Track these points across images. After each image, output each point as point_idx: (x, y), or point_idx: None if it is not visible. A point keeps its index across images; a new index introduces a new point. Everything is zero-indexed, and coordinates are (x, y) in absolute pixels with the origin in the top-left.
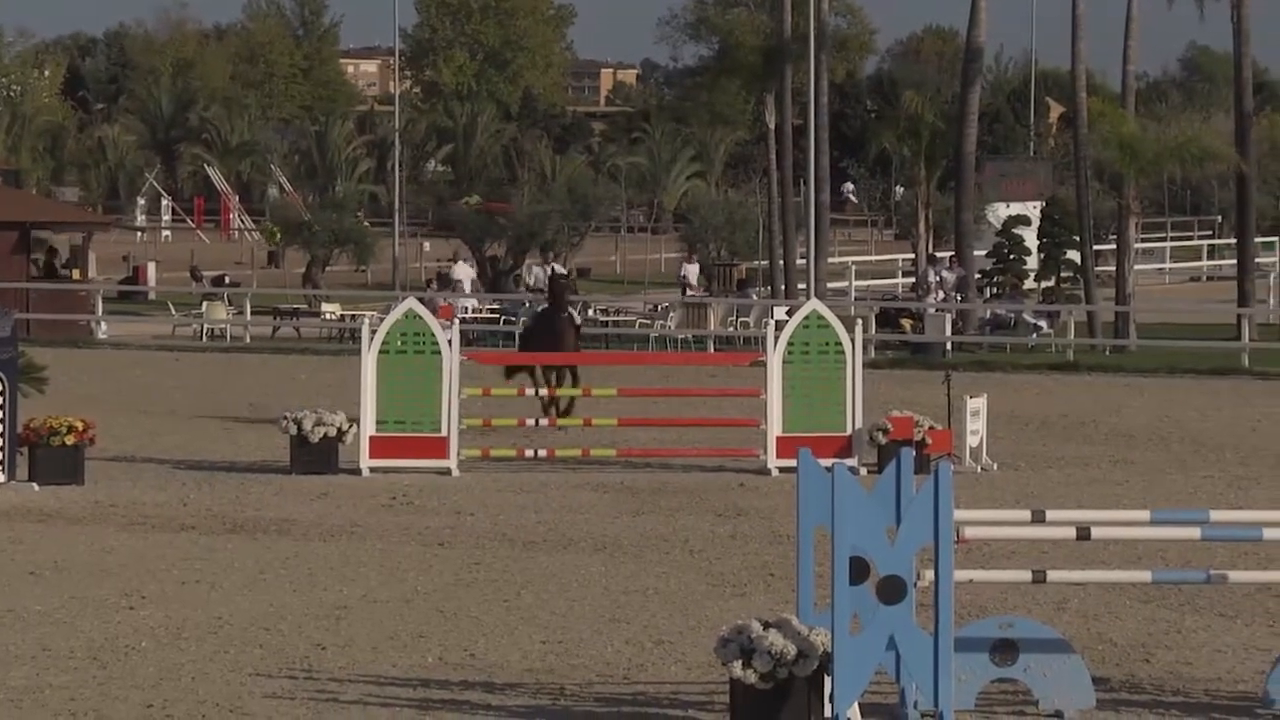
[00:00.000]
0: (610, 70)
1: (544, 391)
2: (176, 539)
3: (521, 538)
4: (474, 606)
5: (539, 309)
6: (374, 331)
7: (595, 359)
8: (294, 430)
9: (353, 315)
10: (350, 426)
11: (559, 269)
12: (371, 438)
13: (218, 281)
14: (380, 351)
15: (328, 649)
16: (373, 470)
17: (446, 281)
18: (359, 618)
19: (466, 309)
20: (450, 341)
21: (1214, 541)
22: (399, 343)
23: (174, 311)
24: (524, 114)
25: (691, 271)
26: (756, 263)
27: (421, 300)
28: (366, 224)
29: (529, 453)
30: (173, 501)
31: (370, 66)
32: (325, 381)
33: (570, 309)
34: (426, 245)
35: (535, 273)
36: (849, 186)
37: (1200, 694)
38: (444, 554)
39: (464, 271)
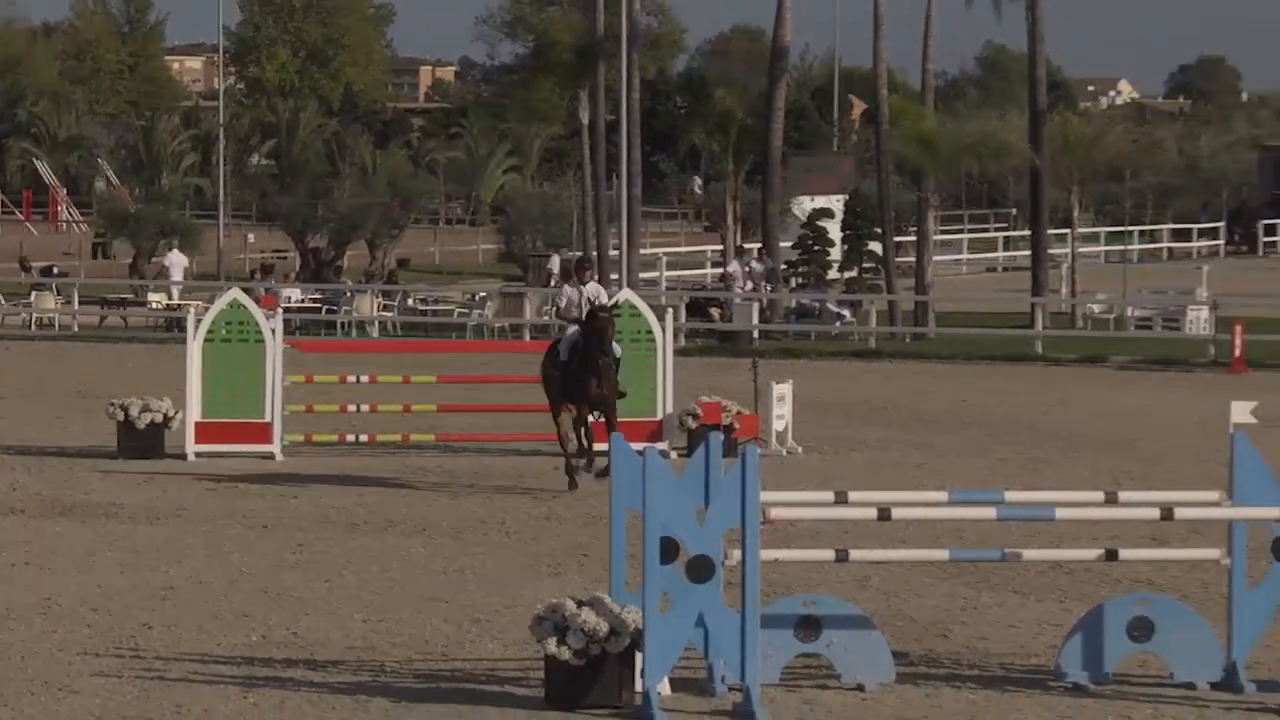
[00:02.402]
0: (429, 67)
1: (571, 444)
2: (6, 522)
3: (343, 520)
4: (297, 587)
5: (571, 340)
6: (200, 320)
7: (414, 346)
8: (121, 416)
9: (179, 304)
10: (176, 413)
11: (600, 294)
12: (197, 423)
13: (46, 272)
14: (206, 340)
15: (154, 629)
16: (198, 455)
17: (264, 273)
18: (185, 598)
19: (290, 298)
20: (274, 330)
21: (1009, 521)
22: (224, 331)
23: (3, 301)
24: (345, 110)
25: (555, 263)
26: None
27: (246, 290)
28: (192, 216)
29: (350, 437)
30: (2, 486)
31: (195, 63)
32: (152, 369)
33: (613, 347)
34: (251, 237)
35: (568, 294)
36: (697, 180)
37: (996, 668)
38: (268, 536)
39: (176, 259)
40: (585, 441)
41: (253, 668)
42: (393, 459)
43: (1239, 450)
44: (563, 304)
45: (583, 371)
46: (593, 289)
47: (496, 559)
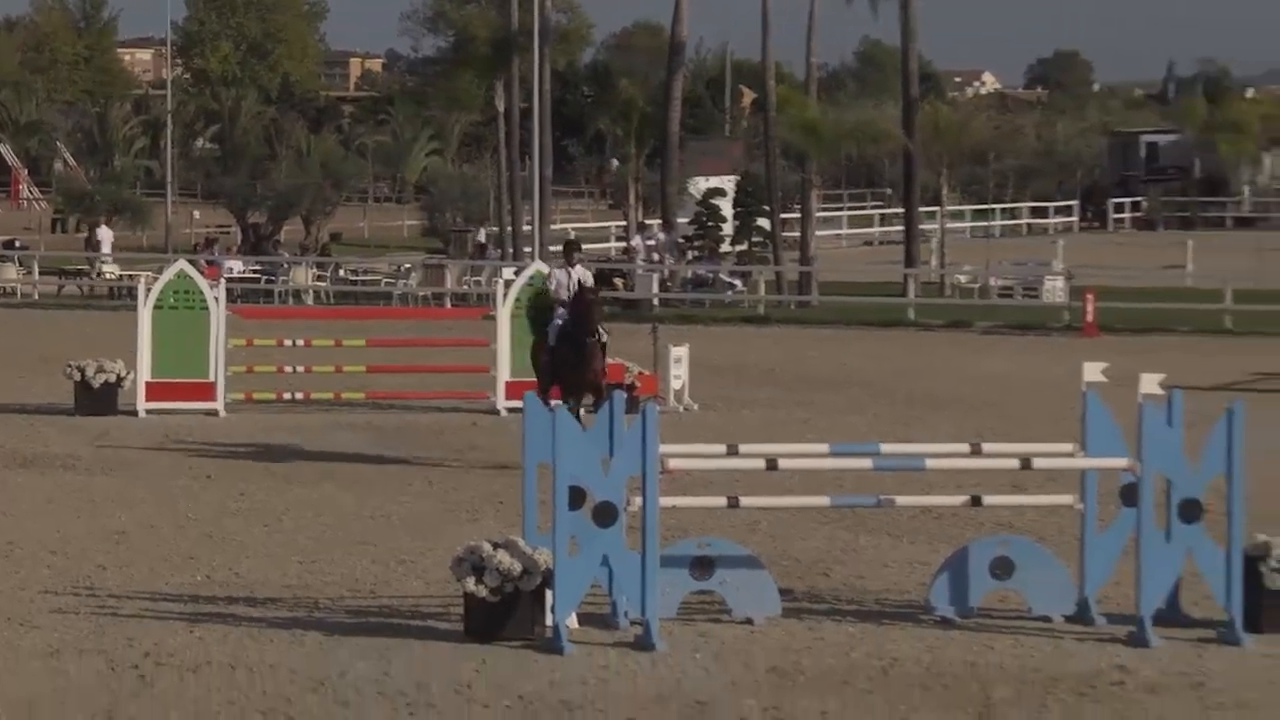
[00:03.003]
0: (359, 59)
1: None
2: None
3: (281, 471)
4: (239, 532)
5: (559, 323)
6: (149, 289)
7: (345, 313)
8: (78, 377)
9: (130, 274)
10: (128, 373)
11: (587, 277)
12: (147, 383)
13: (8, 245)
14: (155, 307)
15: (108, 570)
16: (149, 412)
17: (208, 246)
18: (136, 542)
19: (232, 269)
20: (217, 298)
21: (883, 471)
22: (171, 299)
23: None
24: (282, 98)
25: (482, 234)
26: (491, 227)
27: (191, 262)
28: (142, 195)
29: (287, 396)
30: None
31: (145, 55)
32: (106, 334)
33: (600, 329)
34: (196, 213)
35: (557, 277)
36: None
37: (872, 603)
38: (212, 486)
39: (105, 234)
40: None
41: (198, 605)
42: (326, 415)
43: (1090, 406)
44: (552, 286)
45: (570, 355)
46: (580, 272)
47: (420, 506)
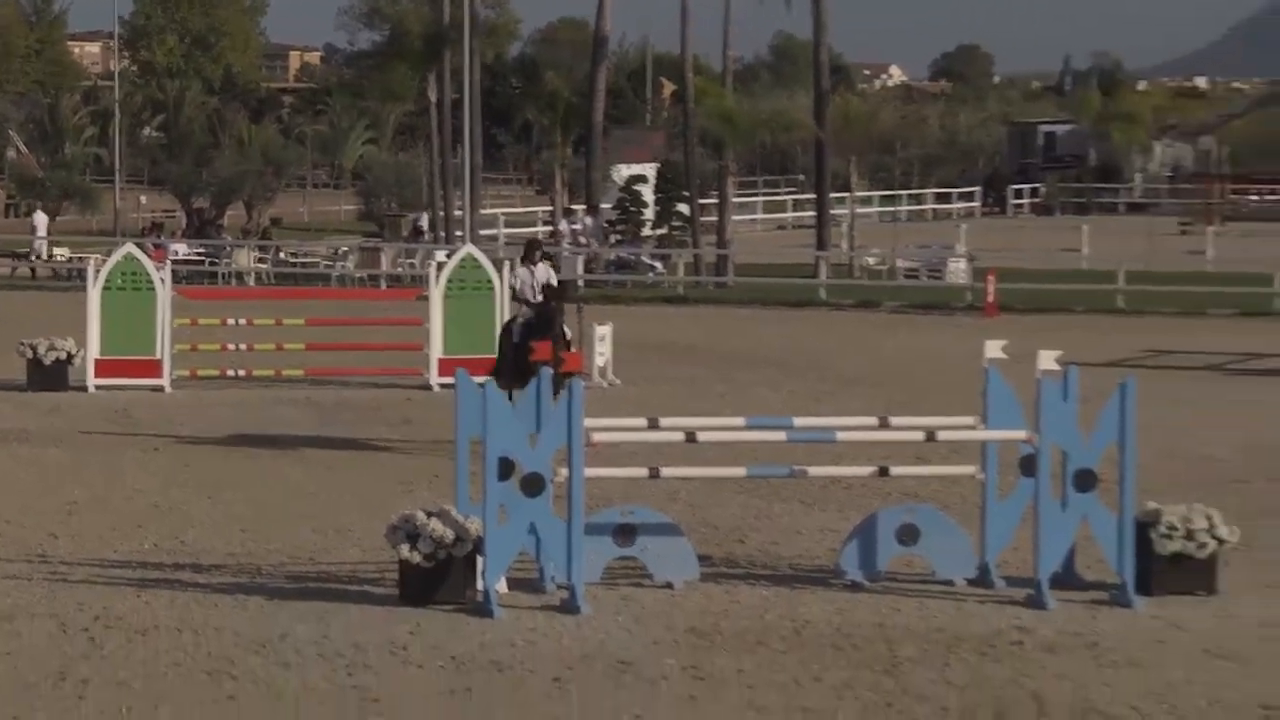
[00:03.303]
0: (298, 52)
1: None
2: None
3: (225, 444)
4: (185, 502)
5: (524, 321)
6: (99, 271)
7: (285, 294)
8: (30, 354)
9: (80, 257)
10: (78, 351)
11: (551, 278)
12: (96, 360)
13: None
14: (104, 288)
15: (60, 538)
16: (98, 388)
17: (154, 230)
18: (87, 512)
19: (177, 252)
20: (163, 280)
21: (796, 443)
22: (120, 281)
23: None
24: (225, 89)
25: (424, 219)
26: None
27: (139, 245)
28: (92, 181)
29: (230, 372)
30: None
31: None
32: (57, 314)
33: (563, 331)
34: (143, 199)
35: (520, 275)
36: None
37: (785, 568)
38: (159, 458)
39: (40, 219)
40: None
41: (146, 571)
42: (267, 391)
43: (991, 382)
44: (516, 285)
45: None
46: (542, 271)
47: (357, 478)
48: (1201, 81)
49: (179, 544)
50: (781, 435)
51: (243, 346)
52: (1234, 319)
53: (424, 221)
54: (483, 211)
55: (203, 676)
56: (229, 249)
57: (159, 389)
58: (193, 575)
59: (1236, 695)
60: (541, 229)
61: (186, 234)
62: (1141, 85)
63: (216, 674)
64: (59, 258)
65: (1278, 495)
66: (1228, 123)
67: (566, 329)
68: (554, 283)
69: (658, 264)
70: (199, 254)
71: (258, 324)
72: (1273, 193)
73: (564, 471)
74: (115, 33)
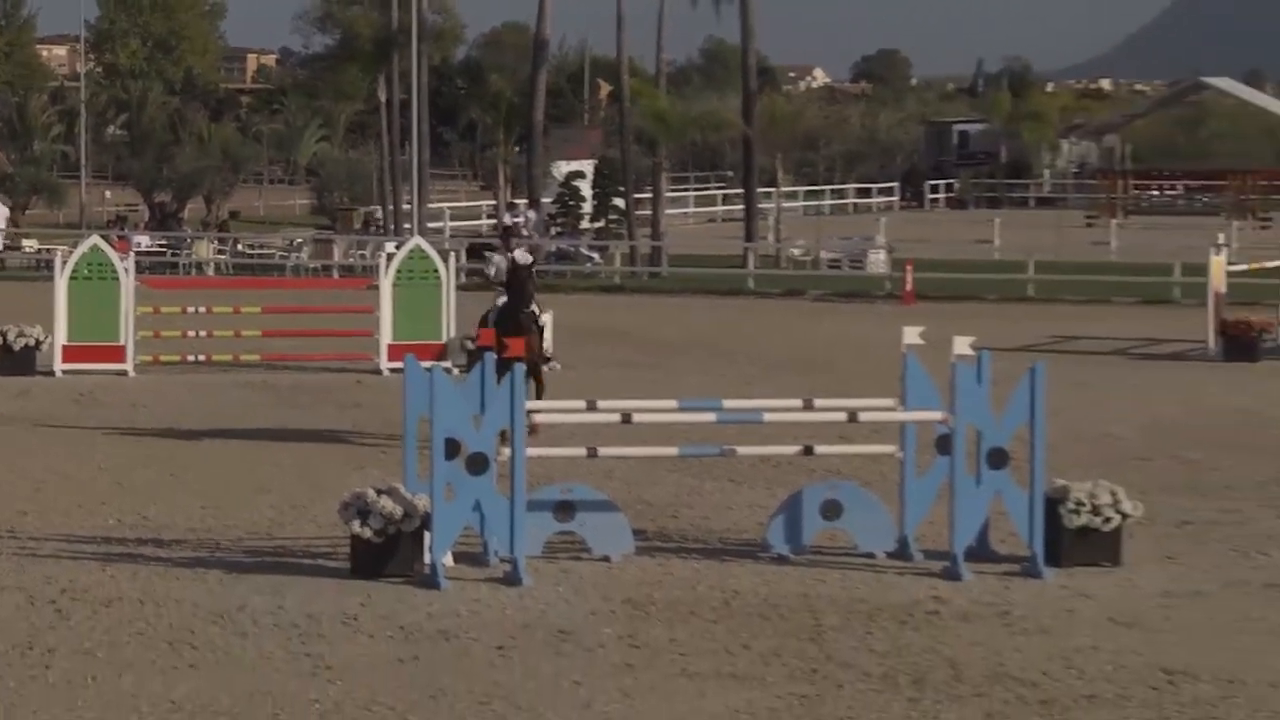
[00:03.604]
0: (255, 55)
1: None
2: None
3: (186, 426)
4: (147, 480)
5: (499, 303)
6: (66, 262)
7: (243, 283)
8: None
9: (48, 248)
10: (46, 337)
11: (521, 256)
12: (63, 346)
13: None
14: (71, 278)
15: (29, 515)
16: (65, 372)
17: (118, 223)
18: (54, 489)
19: (140, 244)
20: (127, 270)
21: (726, 424)
22: (86, 271)
23: None
24: (186, 89)
25: (378, 211)
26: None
27: (104, 237)
28: (59, 176)
29: (190, 358)
30: None
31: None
32: (25, 302)
33: (534, 304)
34: (108, 193)
35: (496, 262)
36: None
37: (716, 542)
38: (122, 439)
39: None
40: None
41: (110, 546)
42: (225, 375)
43: (909, 366)
44: (491, 272)
45: (508, 331)
46: (519, 254)
47: (311, 457)
48: (1106, 84)
49: (142, 520)
50: (712, 417)
51: (202, 333)
52: (1137, 306)
53: (378, 213)
54: (429, 205)
55: (164, 646)
56: (189, 241)
57: (123, 373)
58: (155, 550)
59: (1139, 660)
60: (486, 222)
61: (149, 227)
62: (1050, 87)
63: (177, 644)
64: (28, 249)
65: (1178, 472)
66: (1130, 122)
67: (536, 306)
68: (527, 260)
69: (596, 255)
70: (161, 246)
71: (217, 312)
72: (1172, 188)
73: (506, 451)
74: (82, 36)
